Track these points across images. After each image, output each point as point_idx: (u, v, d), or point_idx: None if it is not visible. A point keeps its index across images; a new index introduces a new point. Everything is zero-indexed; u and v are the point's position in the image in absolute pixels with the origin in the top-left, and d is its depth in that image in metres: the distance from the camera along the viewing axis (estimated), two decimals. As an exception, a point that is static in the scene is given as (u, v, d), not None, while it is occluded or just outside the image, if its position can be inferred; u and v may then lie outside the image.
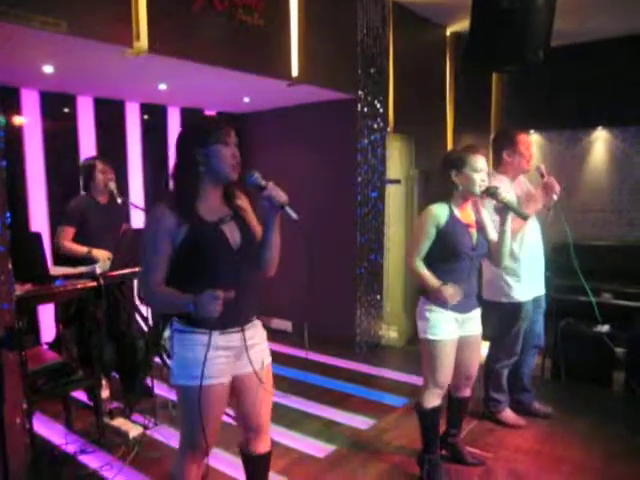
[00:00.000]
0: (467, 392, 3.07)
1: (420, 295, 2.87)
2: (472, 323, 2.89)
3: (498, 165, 3.51)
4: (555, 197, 3.29)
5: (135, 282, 4.61)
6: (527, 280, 3.46)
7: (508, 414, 3.66)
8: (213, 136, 1.99)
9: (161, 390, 4.04)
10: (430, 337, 2.79)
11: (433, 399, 2.88)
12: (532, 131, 6.15)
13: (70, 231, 3.82)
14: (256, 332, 2.14)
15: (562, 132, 6.20)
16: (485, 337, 3.03)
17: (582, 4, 4.73)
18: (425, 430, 2.95)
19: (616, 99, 5.76)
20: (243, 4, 3.84)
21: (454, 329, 2.82)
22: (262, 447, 2.26)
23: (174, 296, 1.91)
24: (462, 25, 5.53)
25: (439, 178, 2.82)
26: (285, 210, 1.95)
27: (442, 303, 2.72)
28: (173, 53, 3.48)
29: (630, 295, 4.84)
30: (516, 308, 3.47)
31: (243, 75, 4.01)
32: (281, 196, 1.97)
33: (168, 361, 3.88)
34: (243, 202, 2.14)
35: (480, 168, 2.70)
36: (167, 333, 4.94)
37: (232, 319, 2.01)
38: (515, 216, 2.76)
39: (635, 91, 5.62)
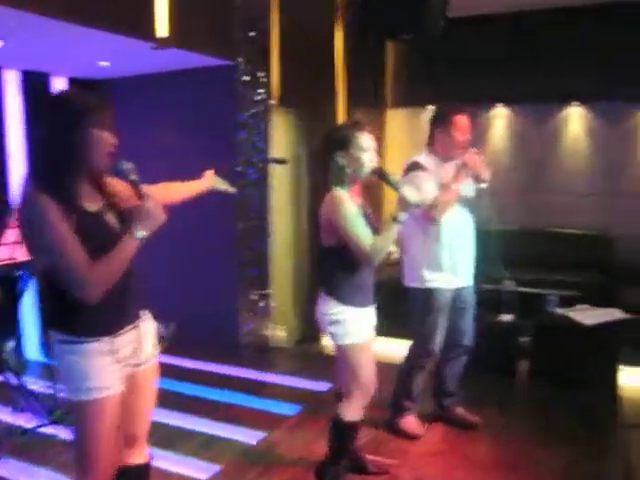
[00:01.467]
0: None
1: (326, 295, 2.80)
2: (373, 316, 2.90)
3: (430, 142, 3.55)
4: (484, 182, 3.39)
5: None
6: (447, 267, 3.49)
7: (408, 422, 3.66)
8: (91, 117, 1.91)
9: (4, 414, 3.80)
10: (349, 342, 2.75)
11: (357, 411, 2.87)
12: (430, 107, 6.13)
13: None
14: (149, 324, 2.19)
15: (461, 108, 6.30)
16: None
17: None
18: (338, 443, 2.90)
19: (517, 75, 6.04)
20: (96, -51, 3.58)
21: (369, 326, 2.83)
22: (142, 457, 2.25)
23: (115, 253, 1.88)
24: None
25: (322, 161, 2.79)
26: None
27: (355, 300, 2.73)
28: (9, 3, 3.19)
29: (531, 282, 5.10)
30: (430, 296, 3.50)
31: (99, 34, 3.77)
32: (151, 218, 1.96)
33: (13, 380, 3.65)
34: (114, 187, 2.09)
35: (368, 146, 2.70)
36: (10, 345, 4.68)
37: (123, 319, 2.04)
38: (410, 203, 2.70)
39: (534, 66, 5.99)
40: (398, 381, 3.67)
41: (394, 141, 6.59)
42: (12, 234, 3.30)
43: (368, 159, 2.68)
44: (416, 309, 3.57)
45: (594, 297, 4.85)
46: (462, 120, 3.46)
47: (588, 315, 4.41)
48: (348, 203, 2.67)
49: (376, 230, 2.71)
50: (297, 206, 5.57)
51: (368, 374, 2.83)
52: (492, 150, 6.41)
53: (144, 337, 2.13)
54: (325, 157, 2.74)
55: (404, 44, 6.24)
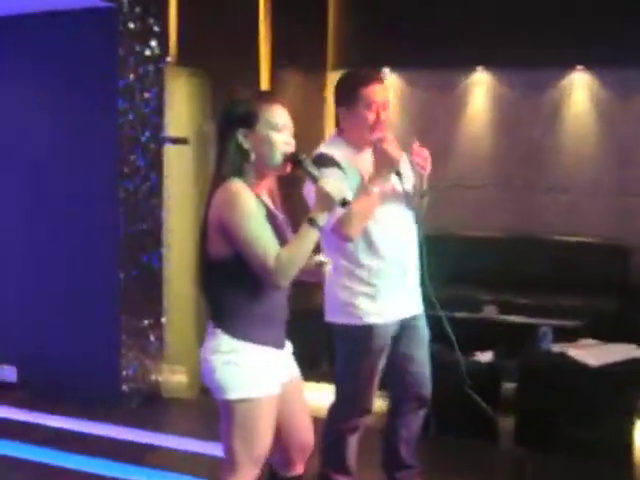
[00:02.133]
0: (300, 468, 2.86)
1: (215, 327, 2.57)
2: (289, 361, 2.75)
3: (337, 125, 3.40)
4: (424, 172, 3.24)
5: None
6: (384, 293, 3.26)
7: None
8: None
9: None
10: (237, 396, 2.51)
11: None
12: (387, 70, 6.15)
13: None
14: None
15: (428, 73, 6.29)
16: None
17: None
18: None
19: (505, 31, 5.94)
20: None
21: (273, 376, 2.60)
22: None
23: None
24: None
25: (218, 144, 2.64)
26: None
27: (256, 335, 2.55)
28: None
29: (521, 307, 5.10)
30: (364, 334, 3.25)
31: None
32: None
33: None
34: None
35: (282, 124, 2.56)
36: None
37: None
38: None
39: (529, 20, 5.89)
40: (325, 448, 3.46)
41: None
42: None
43: (281, 141, 2.53)
44: (343, 353, 3.36)
45: (602, 328, 4.77)
46: (374, 92, 3.23)
47: (594, 353, 4.28)
48: (248, 200, 2.48)
49: (287, 240, 2.60)
50: (202, 201, 5.40)
51: (263, 441, 2.63)
52: (468, 130, 6.36)
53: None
54: (222, 137, 2.60)
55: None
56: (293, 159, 2.55)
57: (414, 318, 3.40)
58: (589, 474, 3.93)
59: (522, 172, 6.33)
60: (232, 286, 2.57)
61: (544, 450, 4.11)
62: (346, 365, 3.37)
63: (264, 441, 2.62)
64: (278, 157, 2.54)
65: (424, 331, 3.47)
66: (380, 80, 3.32)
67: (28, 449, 4.26)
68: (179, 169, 5.19)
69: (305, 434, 2.82)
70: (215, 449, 3.95)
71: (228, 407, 2.56)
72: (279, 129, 2.55)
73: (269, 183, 2.67)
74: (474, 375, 3.99)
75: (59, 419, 4.71)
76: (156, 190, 5.01)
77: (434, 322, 3.47)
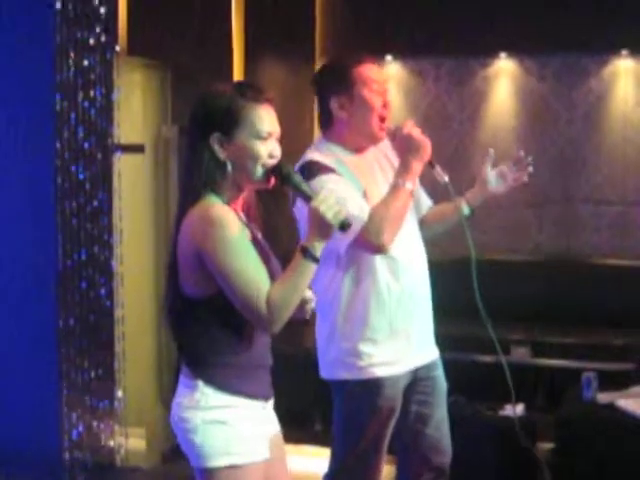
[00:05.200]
0: None
1: (192, 379, 2.48)
2: (272, 413, 2.71)
3: (326, 125, 3.23)
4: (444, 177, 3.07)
5: None
6: (390, 338, 3.15)
7: None
8: None
9: None
10: (223, 463, 2.45)
11: None
12: (389, 58, 5.99)
13: None
14: None
15: (441, 61, 6.17)
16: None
17: None
18: None
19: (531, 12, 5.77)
20: None
21: (263, 436, 2.54)
22: None
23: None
24: None
25: (189, 151, 2.55)
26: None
27: (246, 386, 2.56)
28: None
29: (556, 348, 5.07)
30: (371, 391, 3.12)
31: None
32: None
33: None
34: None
35: (268, 130, 2.39)
36: None
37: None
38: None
39: None
40: None
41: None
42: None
43: (265, 153, 2.40)
44: (343, 413, 3.26)
45: None
46: (371, 70, 3.21)
47: None
48: (231, 224, 2.43)
49: (271, 269, 2.52)
50: (163, 223, 5.26)
51: None
52: (489, 130, 6.25)
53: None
54: (192, 144, 2.51)
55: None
56: (278, 173, 2.44)
57: (431, 366, 3.28)
58: None
59: (559, 182, 6.10)
60: (214, 328, 2.51)
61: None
62: (346, 428, 3.24)
63: None
64: (260, 171, 2.43)
65: (442, 383, 3.34)
66: (373, 61, 3.27)
67: None
68: (133, 184, 4.90)
69: None
70: (181, 531, 3.74)
71: (210, 476, 2.51)
72: (264, 135, 2.43)
73: (246, 196, 2.60)
74: (502, 433, 4.24)
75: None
76: (104, 210, 4.74)
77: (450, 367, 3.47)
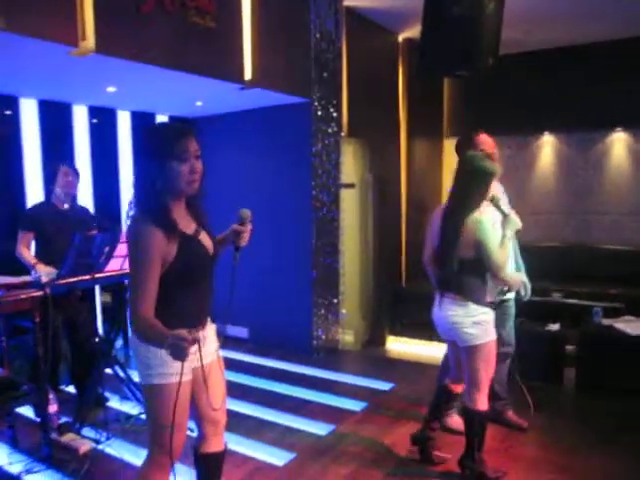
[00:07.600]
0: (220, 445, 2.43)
1: (463, 300, 2.66)
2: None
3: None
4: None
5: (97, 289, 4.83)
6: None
7: (452, 420, 3.60)
8: (168, 151, 1.98)
9: (113, 402, 4.06)
10: (481, 341, 2.71)
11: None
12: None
13: (26, 236, 3.84)
14: (211, 328, 2.28)
15: (512, 137, 6.41)
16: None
17: (527, 16, 5.11)
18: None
19: (563, 105, 5.97)
20: (195, 6, 3.87)
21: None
22: (217, 445, 2.33)
23: (155, 333, 1.92)
24: (414, 31, 5.62)
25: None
26: (236, 252, 2.18)
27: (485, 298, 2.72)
28: (121, 54, 3.49)
29: (578, 294, 5.06)
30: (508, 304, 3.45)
31: (195, 78, 4.03)
32: (245, 241, 2.17)
33: (120, 373, 3.86)
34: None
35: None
36: (119, 343, 4.88)
37: (198, 319, 2.15)
38: None
39: (579, 96, 5.96)
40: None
41: (451, 169, 6.52)
42: (122, 248, 3.35)
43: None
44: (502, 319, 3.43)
45: (638, 309, 4.70)
46: (485, 137, 3.34)
47: (633, 325, 4.29)
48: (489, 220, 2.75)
49: None
50: (364, 225, 5.68)
51: (491, 370, 2.88)
52: (541, 174, 6.42)
53: (207, 339, 2.21)
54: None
55: (459, 80, 6.23)
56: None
57: (505, 301, 3.42)
58: (631, 412, 3.82)
59: (577, 202, 6.30)
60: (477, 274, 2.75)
61: (597, 394, 4.11)
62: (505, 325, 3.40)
63: (491, 370, 2.80)
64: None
65: (512, 309, 3.57)
66: (489, 134, 3.33)
67: (255, 380, 4.54)
68: (349, 204, 5.46)
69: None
70: (371, 383, 4.40)
71: (476, 349, 2.76)
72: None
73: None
74: (547, 340, 4.34)
75: (274, 361, 5.07)
76: (336, 218, 5.25)
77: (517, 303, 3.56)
